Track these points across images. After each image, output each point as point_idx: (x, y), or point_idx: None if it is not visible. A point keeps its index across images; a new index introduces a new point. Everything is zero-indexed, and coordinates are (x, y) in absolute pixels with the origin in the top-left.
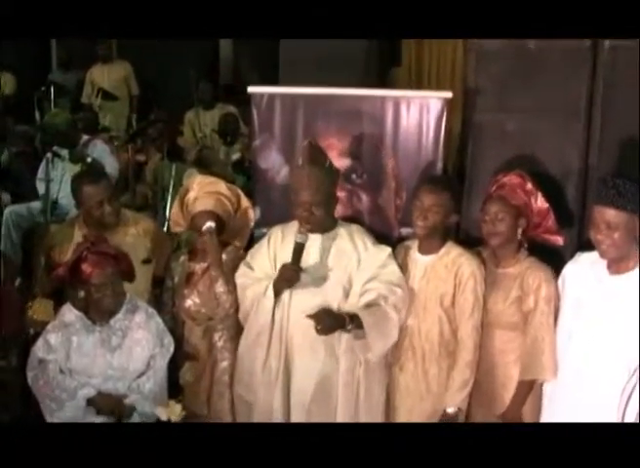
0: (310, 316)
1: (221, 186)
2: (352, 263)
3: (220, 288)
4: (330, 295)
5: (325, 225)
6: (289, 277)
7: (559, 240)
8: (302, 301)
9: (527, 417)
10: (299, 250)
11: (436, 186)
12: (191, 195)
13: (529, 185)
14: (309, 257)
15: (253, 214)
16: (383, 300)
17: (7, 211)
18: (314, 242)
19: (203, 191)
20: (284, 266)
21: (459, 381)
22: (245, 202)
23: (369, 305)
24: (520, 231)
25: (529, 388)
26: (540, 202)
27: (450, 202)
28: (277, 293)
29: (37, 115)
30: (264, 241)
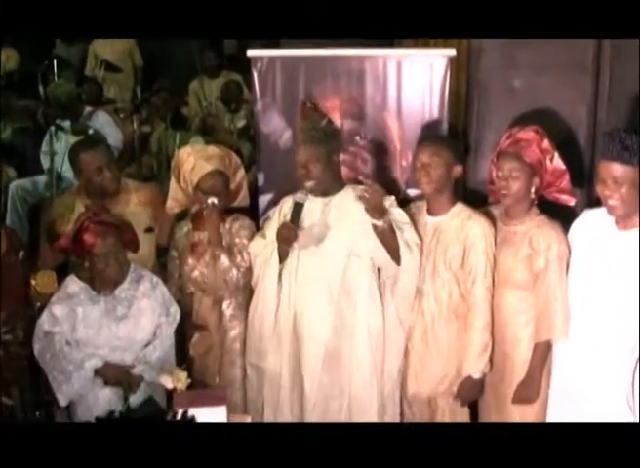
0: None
1: (213, 149)
2: (358, 224)
3: (224, 264)
4: (335, 257)
5: (328, 187)
6: (285, 235)
7: (571, 200)
8: (308, 264)
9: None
10: (297, 209)
11: (431, 140)
12: (187, 166)
13: (546, 143)
14: (313, 220)
15: (244, 172)
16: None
17: (12, 185)
18: (317, 204)
19: (198, 157)
20: (281, 225)
21: (479, 345)
22: (237, 159)
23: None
24: (533, 190)
25: (546, 350)
26: (556, 161)
27: (449, 153)
28: (282, 256)
29: (41, 90)
30: (276, 209)
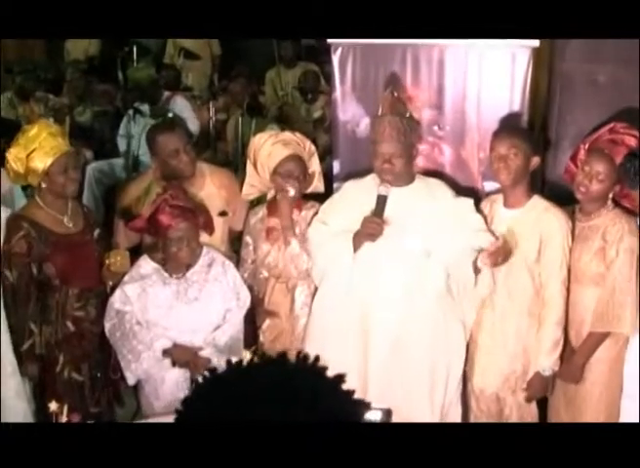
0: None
1: (288, 134)
2: (432, 217)
3: (294, 249)
4: (407, 250)
5: (404, 178)
6: (372, 230)
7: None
8: (379, 257)
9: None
10: (382, 202)
11: (508, 131)
12: (264, 151)
13: None
14: (390, 211)
15: (317, 160)
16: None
17: (89, 167)
18: (392, 195)
19: (275, 142)
20: (366, 219)
21: (550, 341)
22: (312, 147)
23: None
24: (611, 196)
25: (598, 342)
26: None
27: (526, 144)
28: (356, 248)
29: (120, 75)
30: (337, 196)
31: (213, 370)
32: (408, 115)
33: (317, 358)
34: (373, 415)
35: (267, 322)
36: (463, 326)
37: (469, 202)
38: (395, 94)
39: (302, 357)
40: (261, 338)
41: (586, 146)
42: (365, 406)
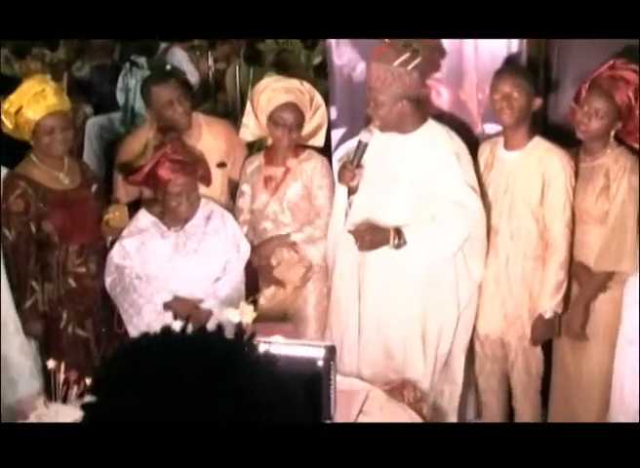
0: (351, 231)
1: (293, 81)
2: (421, 169)
3: (292, 198)
4: (395, 201)
5: (401, 125)
6: (345, 177)
7: None
8: (365, 207)
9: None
10: (361, 148)
11: (511, 72)
12: (263, 96)
13: None
14: (376, 157)
15: (325, 112)
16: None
17: (89, 122)
18: (387, 141)
19: (275, 87)
20: (342, 166)
21: (553, 283)
22: (319, 99)
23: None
24: (613, 133)
25: (602, 283)
26: None
27: (528, 84)
28: (351, 193)
29: None
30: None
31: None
32: (396, 64)
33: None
34: (316, 352)
35: (272, 289)
36: (471, 276)
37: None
38: (386, 40)
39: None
40: (261, 300)
41: (587, 86)
42: (253, 342)
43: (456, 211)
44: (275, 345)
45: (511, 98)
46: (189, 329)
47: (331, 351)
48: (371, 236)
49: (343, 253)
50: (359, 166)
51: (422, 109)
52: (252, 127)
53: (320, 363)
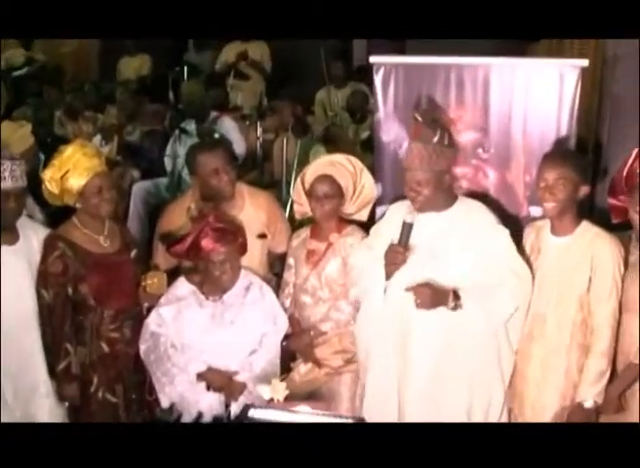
0: (410, 288)
1: (339, 156)
2: (466, 245)
3: (332, 273)
4: (440, 278)
5: (437, 204)
6: (393, 259)
7: None
8: (415, 280)
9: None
10: (406, 230)
11: (557, 159)
12: (308, 169)
13: None
14: (421, 237)
15: (374, 190)
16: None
17: (135, 186)
18: (426, 221)
19: (320, 161)
20: (389, 248)
21: (595, 372)
22: (367, 176)
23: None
24: None
25: (636, 373)
26: None
27: (575, 173)
28: (388, 276)
29: (171, 95)
30: (384, 219)
31: None
32: (435, 140)
33: None
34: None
35: (309, 366)
36: (510, 345)
37: (505, 233)
38: (419, 118)
39: None
40: (295, 375)
41: (622, 181)
42: None
43: (512, 279)
44: (302, 414)
45: (556, 189)
46: None
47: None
48: (432, 294)
49: (382, 334)
50: (407, 247)
51: (452, 188)
52: (302, 203)
53: None
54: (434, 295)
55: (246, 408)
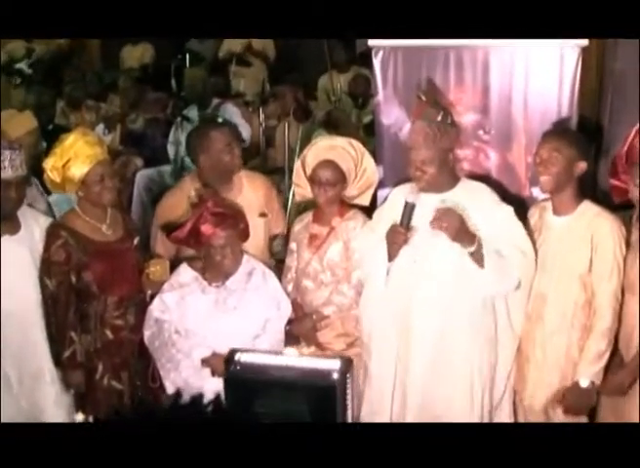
0: (441, 209)
1: (340, 140)
2: (472, 217)
3: (334, 257)
4: (444, 256)
5: (441, 184)
6: (395, 239)
7: None
8: (414, 264)
9: None
10: (408, 210)
11: (553, 135)
12: (309, 153)
13: None
14: (424, 218)
15: (376, 174)
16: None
17: (139, 174)
18: (429, 201)
19: (320, 145)
20: (391, 228)
21: (594, 352)
22: (369, 159)
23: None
24: None
25: None
26: None
27: (570, 148)
28: (391, 257)
29: (173, 83)
30: (387, 203)
31: None
32: (439, 119)
33: None
34: (331, 364)
35: (312, 349)
36: (513, 328)
37: (510, 210)
38: (423, 98)
39: None
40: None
41: (623, 158)
42: None
43: (517, 254)
44: (289, 357)
45: (548, 164)
46: None
47: (347, 363)
48: (460, 225)
49: (384, 316)
50: (409, 228)
51: (456, 169)
52: (302, 185)
53: (336, 375)
54: (462, 226)
55: (232, 352)
